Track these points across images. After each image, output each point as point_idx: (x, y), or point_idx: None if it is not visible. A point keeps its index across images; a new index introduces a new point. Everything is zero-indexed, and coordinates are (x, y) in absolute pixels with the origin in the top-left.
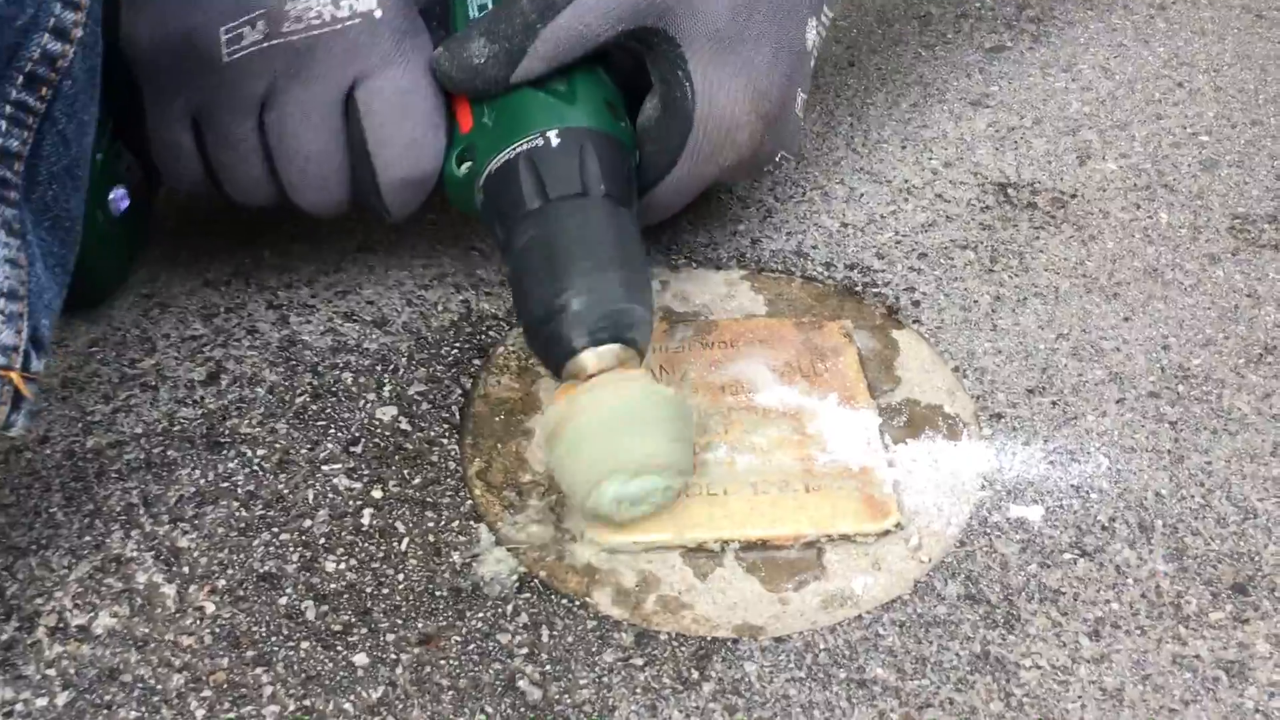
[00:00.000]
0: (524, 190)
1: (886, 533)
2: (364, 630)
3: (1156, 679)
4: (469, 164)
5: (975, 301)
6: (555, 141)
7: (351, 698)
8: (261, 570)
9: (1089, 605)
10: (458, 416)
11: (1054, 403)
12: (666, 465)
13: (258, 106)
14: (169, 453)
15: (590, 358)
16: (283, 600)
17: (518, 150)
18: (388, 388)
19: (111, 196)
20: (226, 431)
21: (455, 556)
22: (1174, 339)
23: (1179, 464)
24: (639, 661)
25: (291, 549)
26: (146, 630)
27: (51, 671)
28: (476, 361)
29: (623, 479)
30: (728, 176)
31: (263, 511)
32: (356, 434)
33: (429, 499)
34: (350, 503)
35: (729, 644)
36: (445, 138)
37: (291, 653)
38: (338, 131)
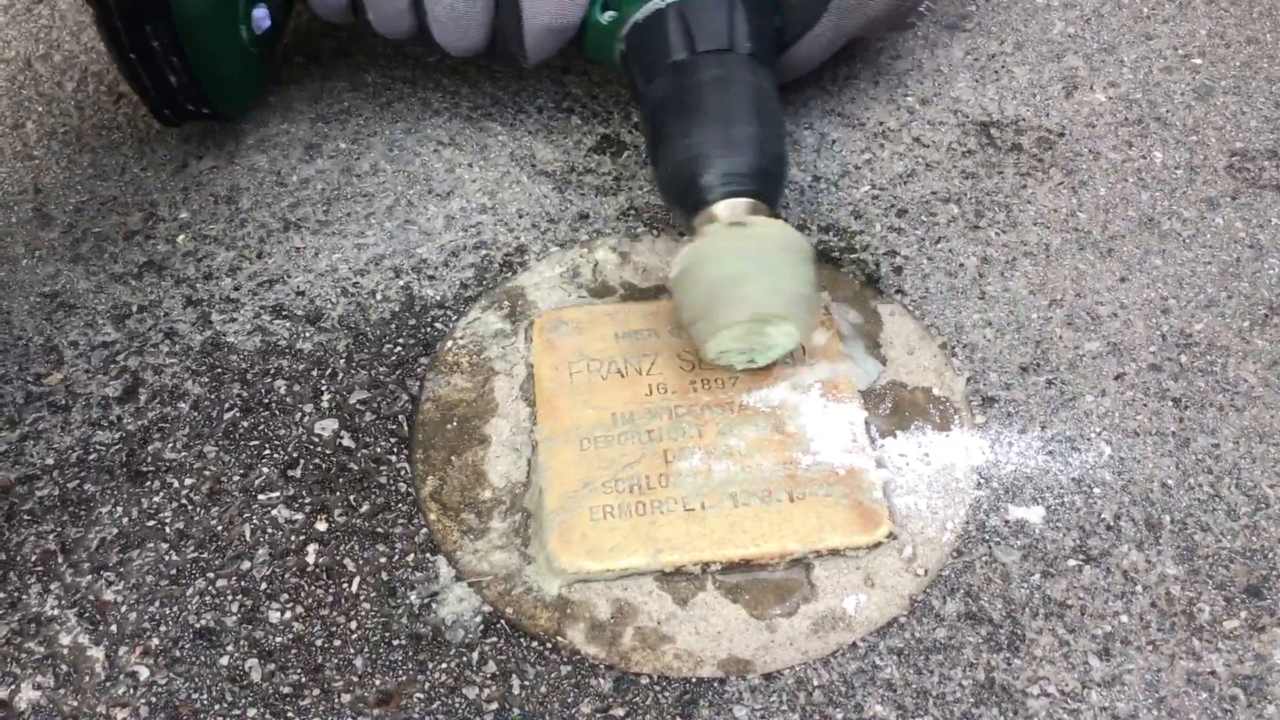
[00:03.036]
0: (671, 41)
1: (878, 544)
2: (316, 691)
3: (1171, 701)
4: (613, 13)
5: (961, 265)
6: None
7: None
8: (198, 625)
9: (1097, 619)
10: (405, 427)
11: (1050, 381)
12: (791, 316)
13: None
14: (86, 486)
15: (723, 209)
16: (224, 660)
17: (669, 1)
18: (326, 396)
19: (255, 14)
20: (149, 458)
21: (412, 596)
22: (1174, 300)
23: (1185, 448)
24: (620, 712)
25: (230, 597)
26: (75, 703)
27: None
28: (423, 360)
29: (743, 329)
30: (870, 30)
31: (195, 553)
32: (294, 454)
33: (379, 529)
34: (292, 538)
35: (715, 685)
36: None
37: None
38: None
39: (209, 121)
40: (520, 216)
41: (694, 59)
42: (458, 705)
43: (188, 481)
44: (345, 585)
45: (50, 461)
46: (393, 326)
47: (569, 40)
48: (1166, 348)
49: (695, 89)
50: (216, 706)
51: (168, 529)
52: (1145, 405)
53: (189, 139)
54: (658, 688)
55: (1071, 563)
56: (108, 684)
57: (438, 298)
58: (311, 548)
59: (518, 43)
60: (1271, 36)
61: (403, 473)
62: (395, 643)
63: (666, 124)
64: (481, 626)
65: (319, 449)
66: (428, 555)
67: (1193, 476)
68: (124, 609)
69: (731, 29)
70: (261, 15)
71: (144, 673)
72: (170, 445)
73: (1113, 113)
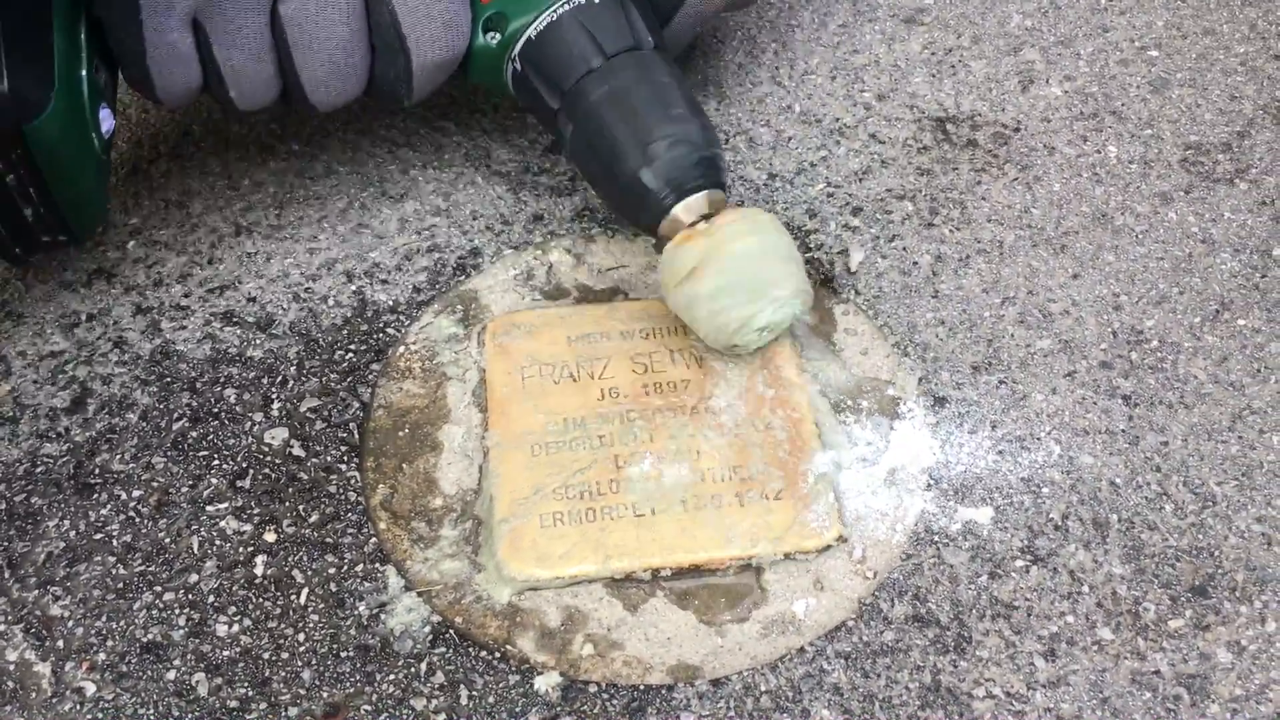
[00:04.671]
0: (578, 50)
1: (828, 547)
2: (263, 705)
3: (1115, 702)
4: (495, 34)
5: (915, 263)
6: None
7: None
8: (145, 639)
9: (1043, 620)
10: (356, 435)
11: (1001, 381)
12: (803, 291)
13: None
14: (33, 500)
15: (683, 212)
16: (170, 674)
17: (559, 11)
18: (276, 405)
19: (101, 115)
20: (97, 470)
21: (361, 607)
22: (1125, 297)
23: (1134, 446)
24: None
25: (177, 611)
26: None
27: None
28: (375, 366)
29: (773, 308)
30: (733, 6)
31: (142, 567)
32: (244, 464)
33: (329, 539)
34: (240, 549)
35: (664, 691)
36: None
37: None
38: (362, 16)
39: (59, 250)
40: (474, 218)
41: (608, 64)
42: (405, 716)
43: (135, 493)
44: (293, 597)
45: None
46: (344, 332)
47: (454, 71)
48: (1117, 345)
49: (621, 94)
50: None
51: (115, 542)
52: (1095, 403)
53: (140, 142)
54: (606, 695)
55: (1019, 563)
56: (54, 700)
57: (390, 302)
58: (260, 559)
59: (404, 83)
60: (1228, 27)
61: (353, 481)
62: (343, 654)
63: (602, 138)
64: (430, 636)
65: (268, 458)
66: (377, 565)
67: (1141, 475)
68: (70, 624)
69: (632, 26)
70: (106, 115)
71: (90, 688)
72: (118, 457)
73: (1068, 107)
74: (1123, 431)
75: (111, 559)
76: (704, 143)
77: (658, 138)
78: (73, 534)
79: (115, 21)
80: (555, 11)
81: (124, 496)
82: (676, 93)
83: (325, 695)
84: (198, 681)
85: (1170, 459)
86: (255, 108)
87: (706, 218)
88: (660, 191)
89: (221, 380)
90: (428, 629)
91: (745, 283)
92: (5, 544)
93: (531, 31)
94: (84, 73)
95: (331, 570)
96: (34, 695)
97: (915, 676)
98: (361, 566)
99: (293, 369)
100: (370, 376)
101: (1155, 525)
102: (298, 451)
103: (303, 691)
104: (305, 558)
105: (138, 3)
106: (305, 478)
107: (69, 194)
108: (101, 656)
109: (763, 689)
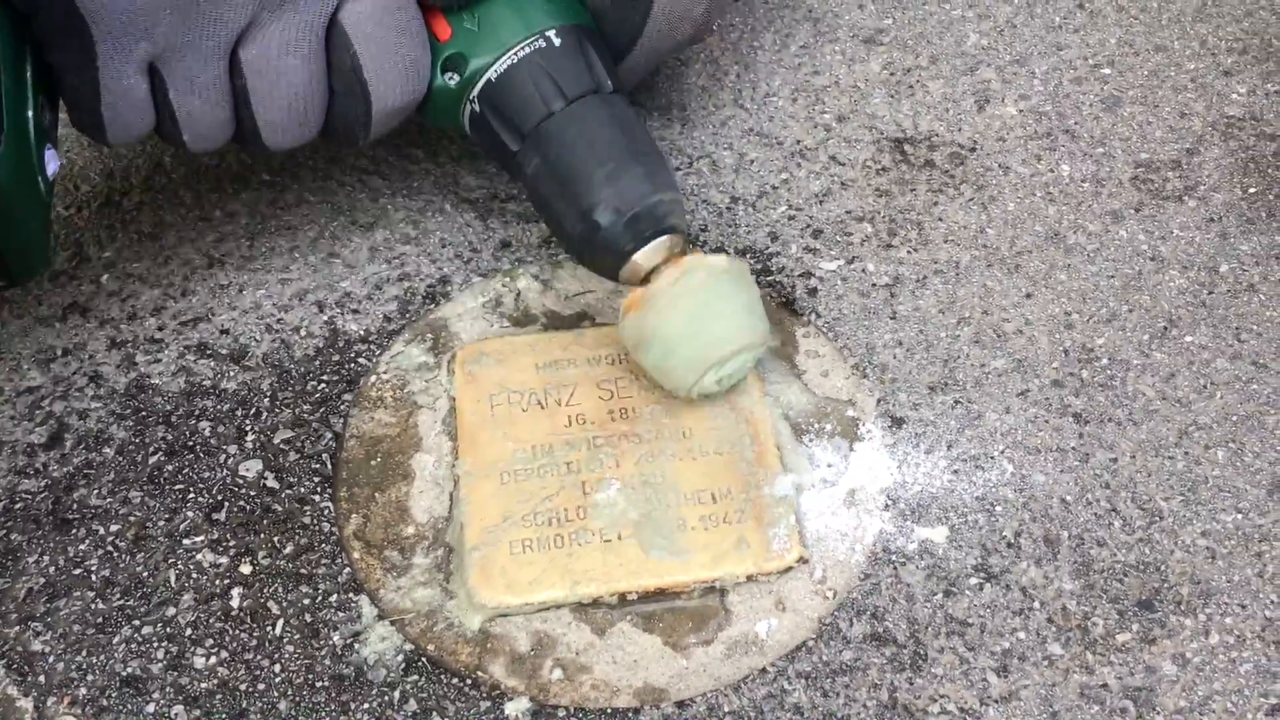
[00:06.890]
0: (539, 94)
1: (790, 568)
2: None
3: (1064, 716)
4: (454, 75)
5: (874, 285)
6: (557, 41)
7: None
8: (125, 673)
9: (996, 636)
10: (329, 466)
11: (957, 401)
12: (753, 341)
13: (233, 43)
14: (13, 536)
15: (643, 258)
16: (150, 707)
17: (519, 54)
18: (250, 437)
19: (46, 156)
20: (75, 505)
21: (335, 637)
22: (1077, 315)
23: (1084, 464)
24: None
25: (156, 644)
26: None
27: None
28: (347, 396)
29: (719, 366)
30: (678, 50)
31: (121, 601)
32: (219, 497)
33: (303, 570)
34: (217, 582)
35: (630, 714)
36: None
37: None
38: (323, 59)
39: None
40: (443, 246)
41: (568, 109)
42: None
43: (113, 528)
44: (269, 628)
45: None
46: (316, 363)
47: (411, 113)
48: (1069, 363)
49: (581, 140)
50: None
51: (94, 577)
52: (1047, 422)
53: (112, 174)
54: (574, 719)
55: (973, 581)
56: None
57: (361, 332)
58: (236, 591)
59: (361, 126)
60: (1179, 44)
61: (326, 512)
62: (318, 685)
63: (560, 185)
64: (403, 665)
65: (243, 491)
66: (350, 595)
67: (1091, 492)
68: (51, 659)
69: (592, 70)
70: (52, 156)
71: None
72: (96, 491)
73: (1023, 126)
74: (1073, 449)
75: (91, 594)
76: (664, 186)
77: (617, 183)
78: (52, 569)
79: (69, 67)
80: (516, 54)
81: (102, 531)
82: (633, 138)
83: None
84: (177, 714)
85: (1119, 475)
86: (208, 150)
87: (666, 262)
88: (620, 237)
89: (196, 413)
90: (401, 657)
91: (690, 345)
92: None
93: (492, 73)
94: (30, 114)
95: (306, 601)
96: None
97: (873, 695)
98: (335, 597)
99: (266, 401)
100: (342, 407)
101: (1104, 541)
102: (272, 483)
103: None
104: (280, 589)
105: (94, 49)
106: (280, 509)
107: (14, 239)
108: (82, 691)
109: (726, 710)
